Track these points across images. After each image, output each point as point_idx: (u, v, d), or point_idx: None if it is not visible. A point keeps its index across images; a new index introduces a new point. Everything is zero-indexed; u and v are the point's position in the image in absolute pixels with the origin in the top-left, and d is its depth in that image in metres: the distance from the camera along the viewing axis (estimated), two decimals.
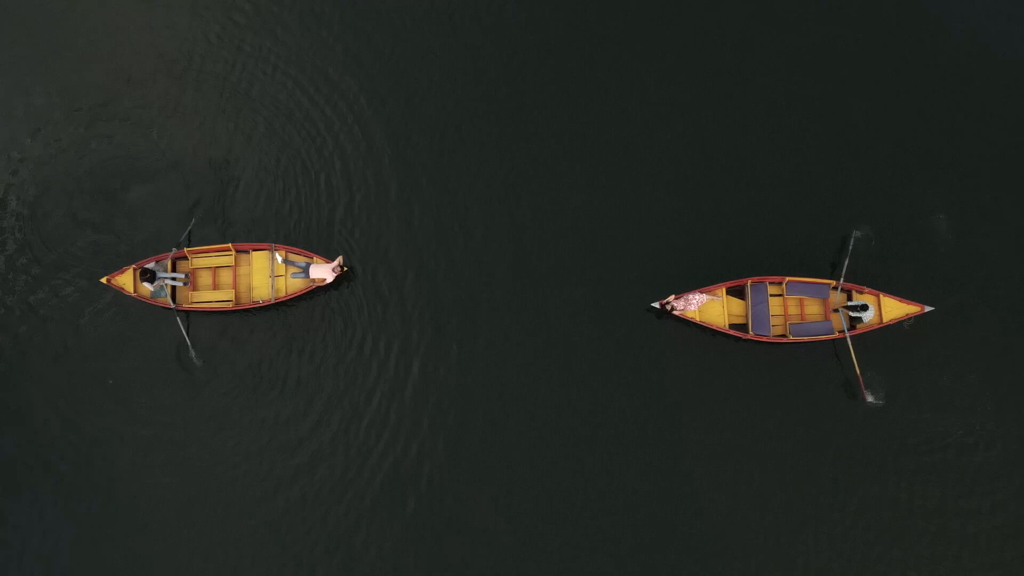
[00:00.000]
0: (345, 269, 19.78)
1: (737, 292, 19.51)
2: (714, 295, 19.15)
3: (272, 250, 19.91)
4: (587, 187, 20.38)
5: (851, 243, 19.73)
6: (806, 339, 19.03)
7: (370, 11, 21.56)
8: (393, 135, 20.82)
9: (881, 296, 19.14)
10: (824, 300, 19.36)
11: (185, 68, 21.43)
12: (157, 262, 19.88)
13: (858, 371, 18.97)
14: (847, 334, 18.83)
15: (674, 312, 18.99)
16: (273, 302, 19.69)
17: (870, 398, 19.00)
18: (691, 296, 18.99)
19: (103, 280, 19.85)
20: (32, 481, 19.52)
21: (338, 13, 21.60)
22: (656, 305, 19.04)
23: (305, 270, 19.64)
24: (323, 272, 19.51)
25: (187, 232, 20.09)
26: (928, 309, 19.14)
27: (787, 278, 19.23)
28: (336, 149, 20.83)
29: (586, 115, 20.72)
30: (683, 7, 21.30)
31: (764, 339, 19.05)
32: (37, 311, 20.29)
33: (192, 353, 19.80)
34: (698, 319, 19.04)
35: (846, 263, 19.34)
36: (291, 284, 19.80)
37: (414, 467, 19.16)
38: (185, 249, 19.87)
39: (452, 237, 20.21)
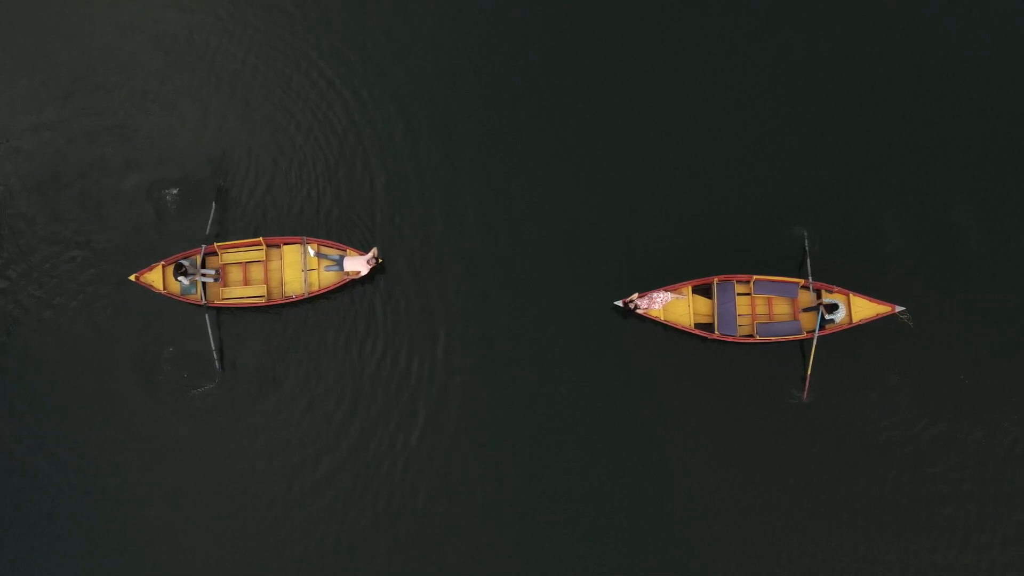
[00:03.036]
0: (380, 261, 19.56)
1: (703, 291, 19.08)
2: (679, 294, 18.86)
3: (304, 243, 19.57)
4: (548, 182, 20.09)
5: (805, 242, 18.82)
6: (774, 339, 18.41)
7: None
8: (416, 123, 20.49)
9: (851, 296, 18.13)
10: (793, 299, 18.58)
11: (189, 50, 20.74)
12: (187, 258, 19.52)
13: (809, 372, 18.23)
14: (817, 334, 18.01)
15: (638, 311, 18.87)
16: (306, 297, 19.49)
17: (806, 399, 18.52)
18: (655, 294, 18.80)
19: (131, 278, 19.44)
20: (29, 492, 19.35)
21: None
22: (619, 304, 18.91)
23: (339, 263, 19.46)
24: (357, 265, 19.37)
25: (209, 224, 19.59)
26: (899, 309, 18.08)
27: (755, 277, 18.58)
28: (361, 136, 20.39)
29: (556, 112, 20.40)
30: (660, 9, 20.70)
31: (730, 339, 18.60)
32: (44, 309, 20.01)
33: (216, 358, 19.49)
34: (663, 318, 18.81)
35: (808, 262, 18.52)
36: (324, 278, 19.55)
37: (398, 467, 19.46)
38: (215, 244, 19.54)
39: (442, 236, 20.17)
